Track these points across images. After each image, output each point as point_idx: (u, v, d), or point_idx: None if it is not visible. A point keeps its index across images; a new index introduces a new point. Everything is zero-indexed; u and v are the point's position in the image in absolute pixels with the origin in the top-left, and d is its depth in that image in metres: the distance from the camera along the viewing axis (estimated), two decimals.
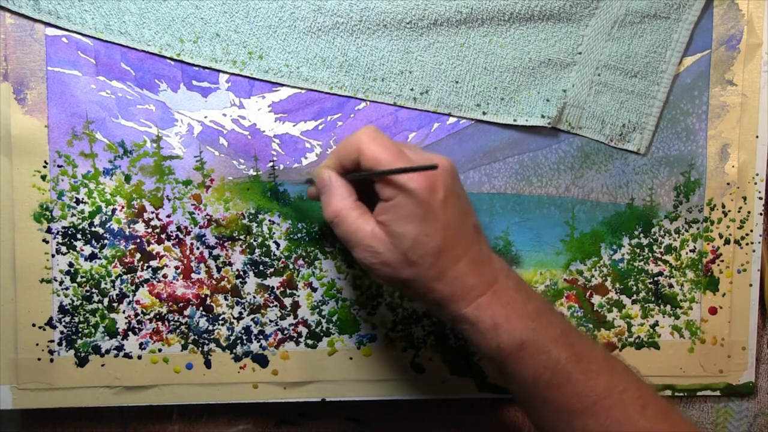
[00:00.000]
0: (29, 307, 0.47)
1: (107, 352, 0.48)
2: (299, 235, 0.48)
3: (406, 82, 0.47)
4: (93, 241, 0.47)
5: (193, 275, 0.48)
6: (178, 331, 0.48)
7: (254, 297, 0.48)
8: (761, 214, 0.49)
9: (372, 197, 0.38)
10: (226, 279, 0.48)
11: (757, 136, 0.49)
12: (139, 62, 0.46)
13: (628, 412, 0.36)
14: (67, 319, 0.47)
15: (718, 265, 0.50)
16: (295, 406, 0.51)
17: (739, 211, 0.49)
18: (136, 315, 0.48)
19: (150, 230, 0.47)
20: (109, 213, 0.47)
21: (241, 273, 0.48)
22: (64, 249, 0.47)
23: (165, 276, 0.48)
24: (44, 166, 0.46)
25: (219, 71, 0.46)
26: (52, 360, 0.47)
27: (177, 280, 0.48)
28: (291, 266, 0.48)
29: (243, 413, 0.51)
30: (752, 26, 0.48)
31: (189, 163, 0.47)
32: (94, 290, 0.47)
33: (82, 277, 0.47)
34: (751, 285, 0.50)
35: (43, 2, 0.45)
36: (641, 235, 0.50)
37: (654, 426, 0.36)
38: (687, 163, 0.49)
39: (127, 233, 0.47)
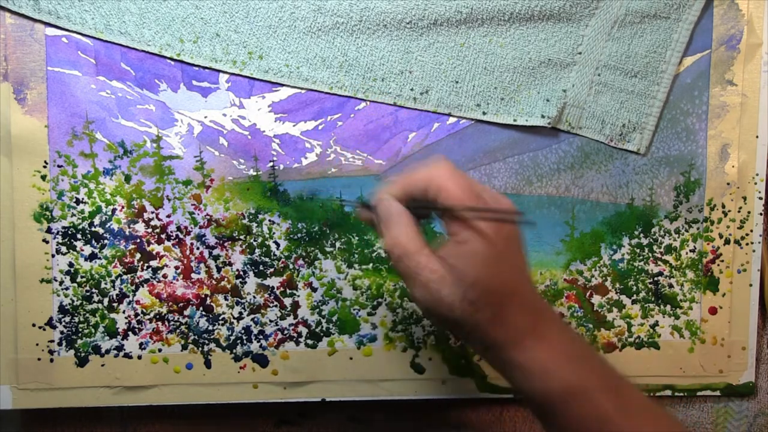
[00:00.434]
0: (29, 307, 0.47)
1: (107, 352, 0.48)
2: (299, 235, 0.48)
3: (406, 82, 0.47)
4: (93, 241, 0.47)
5: (193, 275, 0.48)
6: (178, 331, 0.48)
7: (254, 297, 0.48)
8: (761, 214, 0.49)
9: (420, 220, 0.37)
10: (226, 279, 0.48)
11: (757, 136, 0.49)
12: (139, 62, 0.46)
13: None
14: (67, 319, 0.47)
15: (718, 265, 0.50)
16: (295, 406, 0.51)
17: (739, 211, 0.49)
18: (136, 315, 0.48)
19: (150, 230, 0.47)
20: (109, 213, 0.47)
21: (241, 273, 0.48)
22: (64, 249, 0.47)
23: (165, 276, 0.48)
24: (44, 166, 0.46)
25: (219, 71, 0.46)
26: (52, 360, 0.47)
27: (177, 280, 0.48)
28: (291, 266, 0.48)
29: (243, 413, 0.51)
30: (752, 26, 0.48)
31: (189, 163, 0.47)
32: (94, 290, 0.47)
33: (82, 277, 0.47)
34: (751, 285, 0.50)
35: (43, 2, 0.45)
36: (641, 235, 0.50)
37: None
38: (687, 163, 0.49)
39: (127, 233, 0.47)
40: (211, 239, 0.48)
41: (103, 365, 0.48)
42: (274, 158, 0.48)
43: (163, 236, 0.47)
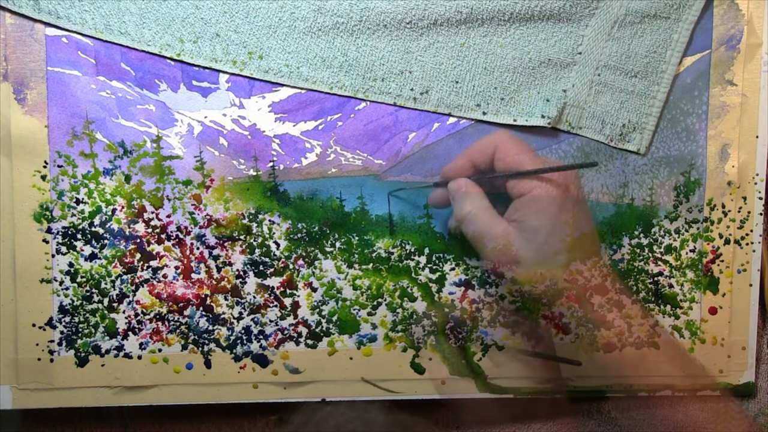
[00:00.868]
0: (29, 307, 0.47)
1: (107, 352, 0.48)
2: (299, 235, 0.48)
3: (406, 82, 0.47)
4: (93, 241, 0.47)
5: (193, 275, 0.48)
6: (178, 331, 0.48)
7: (254, 297, 0.48)
8: (761, 214, 0.49)
9: (497, 205, 0.40)
10: (226, 279, 0.48)
11: (757, 136, 0.49)
12: (139, 62, 0.46)
13: None
14: (67, 319, 0.47)
15: (718, 265, 0.50)
16: (295, 406, 0.51)
17: (739, 211, 0.49)
18: (136, 315, 0.48)
19: (150, 230, 0.47)
20: (109, 213, 0.47)
21: (241, 273, 0.48)
22: (64, 249, 0.47)
23: (165, 276, 0.48)
24: (44, 166, 0.46)
25: (219, 71, 0.46)
26: (52, 360, 0.47)
27: (177, 280, 0.48)
28: (291, 266, 0.48)
29: (243, 413, 0.51)
30: (752, 26, 0.48)
31: (189, 163, 0.47)
32: (94, 290, 0.47)
33: (82, 277, 0.47)
34: (751, 285, 0.50)
35: (43, 2, 0.45)
36: (641, 235, 0.50)
37: None
38: (687, 163, 0.49)
39: (127, 233, 0.47)
40: (211, 239, 0.48)
41: (103, 365, 0.48)
42: (274, 158, 0.48)
43: (163, 236, 0.47)
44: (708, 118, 0.49)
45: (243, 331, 0.48)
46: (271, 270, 0.48)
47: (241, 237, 0.48)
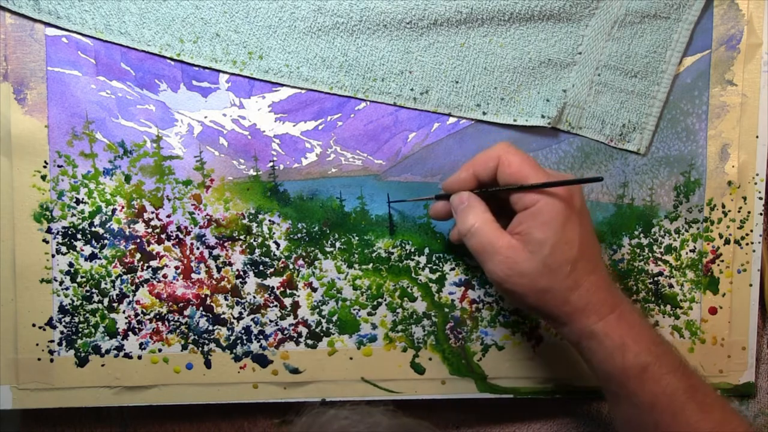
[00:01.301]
0: (29, 307, 0.47)
1: (107, 352, 0.48)
2: (299, 235, 0.48)
3: (406, 82, 0.47)
4: (93, 241, 0.47)
5: (193, 275, 0.48)
6: (178, 331, 0.48)
7: (254, 297, 0.48)
8: (761, 214, 0.49)
9: (498, 218, 0.40)
10: (226, 279, 0.48)
11: (757, 136, 0.49)
12: (139, 62, 0.46)
13: None
14: (67, 319, 0.47)
15: (718, 265, 0.50)
16: (295, 406, 0.51)
17: (739, 211, 0.49)
18: (136, 315, 0.48)
19: (150, 230, 0.47)
20: (109, 213, 0.47)
21: (241, 273, 0.48)
22: (64, 249, 0.47)
23: (165, 276, 0.48)
24: (44, 166, 0.46)
25: (219, 71, 0.46)
26: (52, 360, 0.47)
27: (177, 280, 0.48)
28: (291, 266, 0.48)
29: (243, 413, 0.51)
30: (752, 26, 0.48)
31: (189, 163, 0.47)
32: (94, 290, 0.47)
33: (82, 277, 0.47)
34: (751, 285, 0.50)
35: (43, 2, 0.45)
36: (641, 235, 0.50)
37: None
38: (687, 163, 0.49)
39: (127, 233, 0.47)
40: (211, 239, 0.48)
41: (103, 365, 0.48)
42: (274, 158, 0.48)
43: (163, 236, 0.47)
44: (708, 118, 0.49)
45: (243, 331, 0.48)
46: (271, 270, 0.48)
47: (241, 237, 0.48)
